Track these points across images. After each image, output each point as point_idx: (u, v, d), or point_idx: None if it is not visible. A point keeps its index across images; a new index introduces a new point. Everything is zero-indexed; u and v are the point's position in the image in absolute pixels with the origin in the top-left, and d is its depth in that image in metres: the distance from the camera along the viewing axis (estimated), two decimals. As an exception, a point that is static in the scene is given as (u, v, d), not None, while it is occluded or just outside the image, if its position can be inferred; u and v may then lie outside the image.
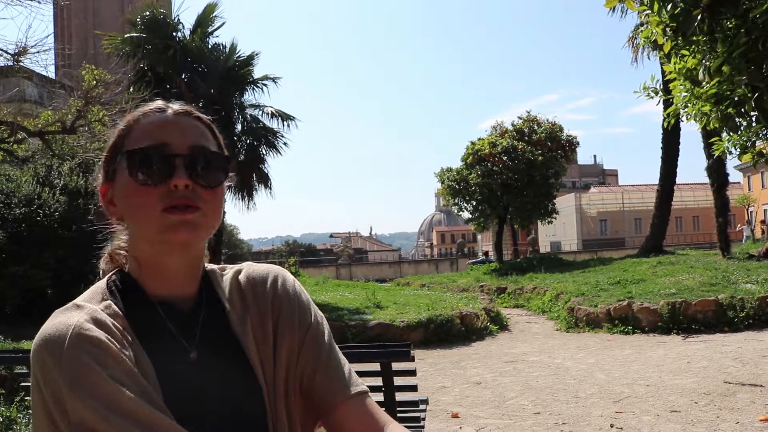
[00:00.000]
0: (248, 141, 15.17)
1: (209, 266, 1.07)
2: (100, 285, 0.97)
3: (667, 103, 5.25)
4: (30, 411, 4.45)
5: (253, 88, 15.51)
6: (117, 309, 0.92)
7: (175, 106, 1.01)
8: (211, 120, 1.05)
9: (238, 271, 1.08)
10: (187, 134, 0.97)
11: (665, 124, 5.33)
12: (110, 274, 1.00)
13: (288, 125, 15.67)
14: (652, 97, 4.79)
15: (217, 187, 0.97)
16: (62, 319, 0.86)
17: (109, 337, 0.85)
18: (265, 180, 15.67)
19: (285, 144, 15.61)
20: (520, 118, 27.22)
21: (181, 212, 0.92)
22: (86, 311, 0.88)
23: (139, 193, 0.93)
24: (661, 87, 4.91)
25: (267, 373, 0.99)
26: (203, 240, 0.99)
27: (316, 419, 1.03)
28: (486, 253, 40.70)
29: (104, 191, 1.00)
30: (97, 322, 0.87)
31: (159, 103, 1.01)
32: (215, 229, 0.98)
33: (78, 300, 0.92)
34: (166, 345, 0.93)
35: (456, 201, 26.09)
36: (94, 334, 0.84)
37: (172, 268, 0.97)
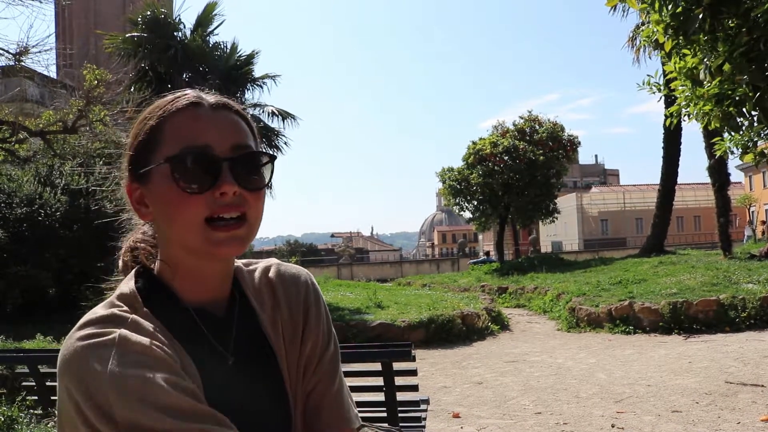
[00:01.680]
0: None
1: (235, 263, 1.02)
2: (130, 289, 0.91)
3: (669, 101, 5.25)
4: (31, 412, 4.46)
5: (254, 87, 15.55)
6: (155, 317, 0.88)
7: (211, 99, 0.93)
8: (245, 110, 0.97)
9: (267, 268, 1.04)
10: (229, 132, 0.90)
11: (667, 123, 5.32)
12: (135, 272, 0.95)
13: (289, 123, 15.71)
14: (654, 92, 4.78)
15: (263, 189, 0.92)
16: (103, 328, 0.82)
17: (155, 342, 0.82)
18: (266, 180, 15.69)
19: (285, 143, 15.66)
20: (521, 117, 27.26)
21: (228, 228, 0.87)
22: (127, 320, 0.84)
23: (182, 201, 0.86)
24: (663, 84, 4.90)
25: (292, 378, 0.98)
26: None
27: None
28: (487, 253, 40.61)
29: (131, 190, 0.93)
30: (141, 330, 0.83)
31: (191, 94, 0.93)
32: (257, 233, 0.94)
33: (112, 307, 0.87)
34: (204, 352, 0.90)
35: (457, 201, 26.08)
36: (139, 340, 0.81)
37: (209, 275, 0.93)
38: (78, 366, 0.79)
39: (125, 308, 0.87)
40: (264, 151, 0.94)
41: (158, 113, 0.91)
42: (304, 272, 1.06)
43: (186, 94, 0.93)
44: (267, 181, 0.93)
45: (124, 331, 0.81)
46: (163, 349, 0.82)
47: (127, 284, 0.92)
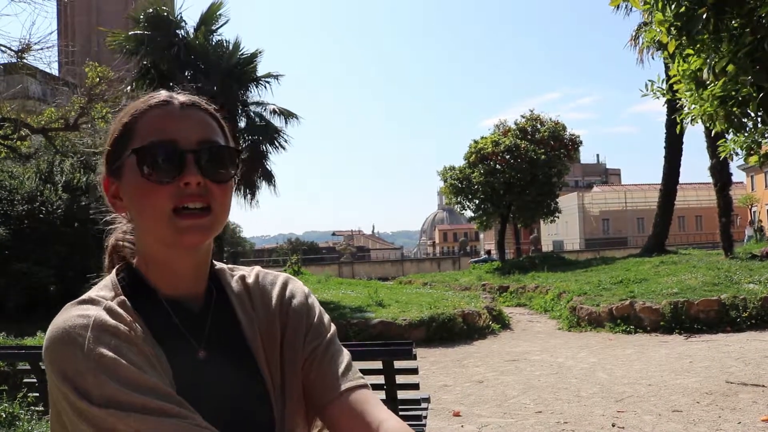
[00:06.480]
0: (251, 138, 15.17)
1: (219, 265, 1.07)
2: (111, 280, 0.97)
3: (672, 103, 5.22)
4: (32, 408, 4.46)
5: (257, 86, 15.52)
6: (130, 305, 0.92)
7: (181, 98, 0.98)
8: (216, 109, 1.03)
9: (249, 273, 1.09)
10: (196, 128, 0.95)
11: (677, 130, 5.31)
12: (118, 268, 1.00)
13: (291, 121, 15.69)
14: (658, 98, 4.76)
15: (228, 182, 0.96)
16: (80, 311, 0.87)
17: (127, 328, 0.87)
18: (268, 177, 15.67)
19: (287, 141, 15.64)
20: (523, 116, 27.30)
21: (193, 217, 0.91)
22: (102, 305, 0.89)
23: (149, 191, 0.91)
24: (666, 87, 4.88)
25: (274, 376, 1.00)
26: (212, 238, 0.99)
27: (314, 418, 1.03)
28: (488, 252, 40.68)
29: (107, 185, 0.98)
30: (115, 315, 0.88)
31: (163, 94, 0.98)
32: (224, 224, 0.98)
33: (91, 293, 0.92)
34: (175, 343, 0.93)
35: (458, 199, 26.09)
36: (114, 324, 0.86)
37: (180, 267, 0.97)
38: (54, 349, 0.84)
39: (101, 295, 0.92)
40: (228, 146, 0.98)
41: (131, 111, 0.98)
42: (283, 276, 1.11)
43: (158, 94, 0.99)
44: (233, 174, 0.97)
45: (100, 314, 0.86)
46: (136, 333, 0.87)
47: (109, 276, 0.98)
